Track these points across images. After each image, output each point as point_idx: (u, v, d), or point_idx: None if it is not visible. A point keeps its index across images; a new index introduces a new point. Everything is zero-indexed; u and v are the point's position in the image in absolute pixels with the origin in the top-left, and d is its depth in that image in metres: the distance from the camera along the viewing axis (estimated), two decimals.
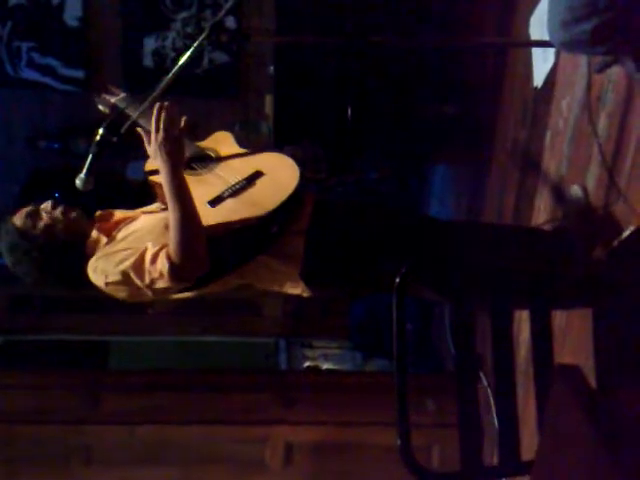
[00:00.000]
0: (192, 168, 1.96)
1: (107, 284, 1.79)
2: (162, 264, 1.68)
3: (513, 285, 1.73)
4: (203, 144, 2.07)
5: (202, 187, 1.88)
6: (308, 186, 1.89)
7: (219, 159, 1.97)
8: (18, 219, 1.87)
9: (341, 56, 3.63)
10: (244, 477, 3.23)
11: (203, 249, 1.70)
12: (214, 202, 1.84)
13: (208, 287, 1.88)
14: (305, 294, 1.89)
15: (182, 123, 1.75)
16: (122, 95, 2.02)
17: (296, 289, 1.89)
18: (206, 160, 1.97)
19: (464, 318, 1.63)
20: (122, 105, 1.92)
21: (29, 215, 1.86)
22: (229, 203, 1.84)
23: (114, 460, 3.20)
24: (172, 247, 1.67)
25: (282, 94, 3.84)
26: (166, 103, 1.70)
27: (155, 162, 1.72)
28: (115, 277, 1.77)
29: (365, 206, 2.08)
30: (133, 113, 1.86)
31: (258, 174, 1.88)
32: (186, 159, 1.92)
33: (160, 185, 1.80)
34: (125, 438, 3.20)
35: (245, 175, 1.89)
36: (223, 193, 1.86)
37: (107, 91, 2.08)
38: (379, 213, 2.02)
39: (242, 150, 2.00)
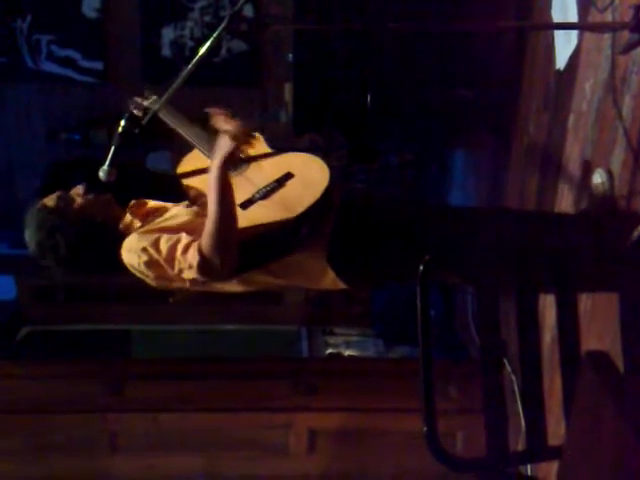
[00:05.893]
0: None
1: (139, 264, 1.81)
2: (193, 256, 1.72)
3: (537, 270, 1.72)
4: None
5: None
6: (332, 176, 1.89)
7: (249, 161, 1.98)
8: (50, 200, 1.89)
9: (359, 42, 3.61)
10: (268, 464, 3.25)
11: (235, 248, 1.73)
12: (245, 205, 1.86)
13: (233, 285, 1.90)
14: (339, 286, 1.90)
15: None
16: (154, 98, 2.04)
17: (326, 281, 1.89)
18: (237, 163, 1.99)
19: (489, 304, 1.62)
20: (154, 107, 1.95)
21: (61, 197, 1.88)
22: (260, 206, 1.86)
23: (138, 447, 3.24)
24: (205, 240, 1.70)
25: (301, 82, 3.82)
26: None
27: (213, 156, 1.77)
28: (146, 258, 1.79)
29: (385, 199, 2.08)
30: (163, 111, 1.92)
31: (288, 176, 1.90)
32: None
33: (194, 188, 1.90)
34: (149, 426, 3.23)
35: (275, 177, 1.91)
36: (254, 196, 1.88)
37: (141, 95, 2.10)
38: (397, 206, 2.03)
39: (272, 151, 2.01)
